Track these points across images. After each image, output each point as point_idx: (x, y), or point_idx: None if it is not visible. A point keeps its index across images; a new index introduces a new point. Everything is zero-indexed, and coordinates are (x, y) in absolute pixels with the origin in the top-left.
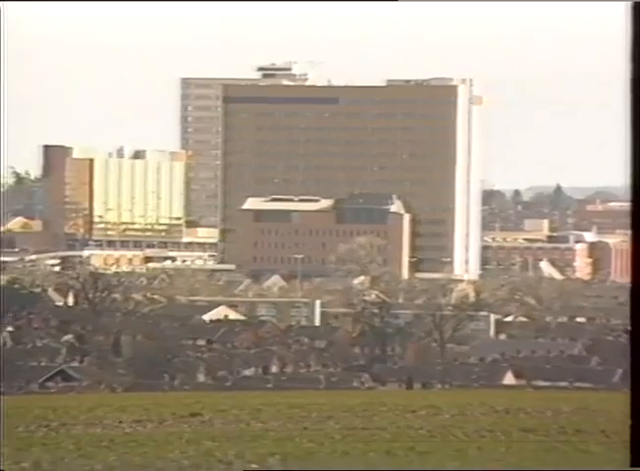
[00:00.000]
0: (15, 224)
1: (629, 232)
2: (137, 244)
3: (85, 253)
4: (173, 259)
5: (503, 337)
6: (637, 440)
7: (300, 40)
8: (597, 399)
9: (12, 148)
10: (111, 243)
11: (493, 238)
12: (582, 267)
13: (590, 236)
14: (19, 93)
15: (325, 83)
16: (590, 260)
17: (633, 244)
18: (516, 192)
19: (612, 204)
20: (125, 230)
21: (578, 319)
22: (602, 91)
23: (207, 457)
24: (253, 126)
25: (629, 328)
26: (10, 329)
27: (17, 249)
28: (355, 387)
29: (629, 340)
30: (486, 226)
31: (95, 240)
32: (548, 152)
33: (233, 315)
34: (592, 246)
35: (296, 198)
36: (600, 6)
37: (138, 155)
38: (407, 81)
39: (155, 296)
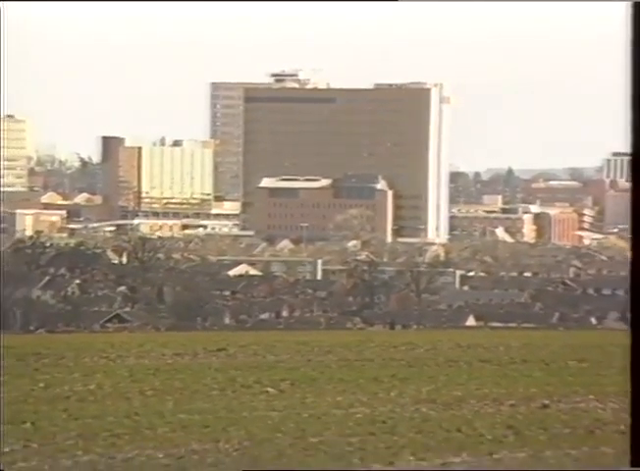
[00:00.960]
0: (80, 198)
1: (628, 231)
2: (176, 215)
3: (135, 222)
4: (204, 227)
5: (466, 288)
6: (637, 440)
7: (304, 48)
8: (539, 337)
9: (77, 138)
10: (155, 214)
11: (458, 210)
12: (529, 233)
13: (534, 208)
14: (84, 93)
15: (324, 87)
16: (535, 227)
17: (633, 243)
18: (476, 174)
19: (551, 183)
20: (166, 203)
21: (525, 274)
22: (542, 91)
23: (232, 382)
24: (268, 120)
25: (630, 326)
26: (77, 281)
27: (82, 219)
28: (349, 327)
29: (630, 338)
30: (452, 200)
31: (143, 212)
32: (501, 142)
33: (252, 271)
34: (536, 216)
35: (302, 178)
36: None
37: (177, 144)
38: (391, 85)
39: (190, 256)
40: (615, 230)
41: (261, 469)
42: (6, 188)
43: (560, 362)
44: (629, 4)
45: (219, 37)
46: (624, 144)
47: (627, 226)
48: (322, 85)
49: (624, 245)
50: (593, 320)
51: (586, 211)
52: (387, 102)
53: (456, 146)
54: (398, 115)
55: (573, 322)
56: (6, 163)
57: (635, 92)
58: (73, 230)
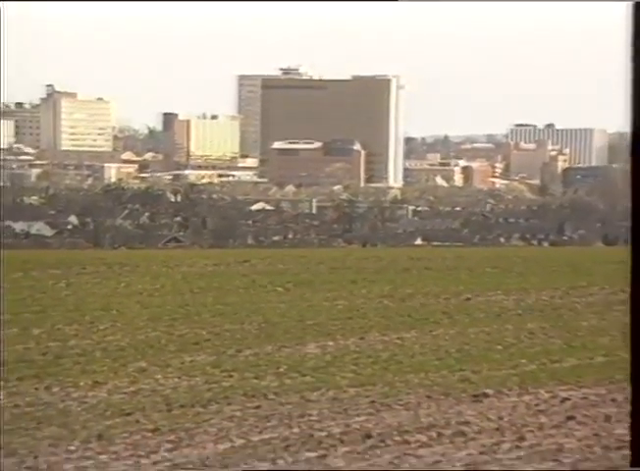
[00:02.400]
0: (148, 156)
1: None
2: (214, 167)
3: (186, 172)
4: (233, 176)
5: (415, 218)
6: (637, 440)
7: (302, 47)
8: (466, 252)
9: (145, 114)
10: (199, 167)
11: (409, 164)
12: (458, 180)
13: (462, 163)
14: (149, 80)
15: (318, 78)
16: (462, 176)
17: (633, 238)
18: (423, 138)
19: (474, 145)
20: (206, 159)
21: (456, 208)
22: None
23: (253, 284)
24: (278, 102)
25: (630, 325)
26: (147, 214)
27: (149, 170)
28: (334, 246)
29: (630, 338)
30: (406, 157)
31: (191, 165)
32: (441, 116)
33: (267, 207)
34: (463, 168)
35: (302, 142)
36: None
37: (214, 117)
38: (363, 77)
39: (224, 196)
40: (517, 177)
41: (261, 469)
42: (97, 149)
43: (479, 269)
44: (630, 4)
45: (239, 36)
46: (529, 116)
47: (525, 174)
48: (316, 77)
49: (523, 188)
50: (502, 240)
51: (497, 164)
52: (361, 89)
53: (408, 120)
54: (368, 98)
55: (489, 241)
56: (98, 131)
57: (635, 93)
58: (143, 178)
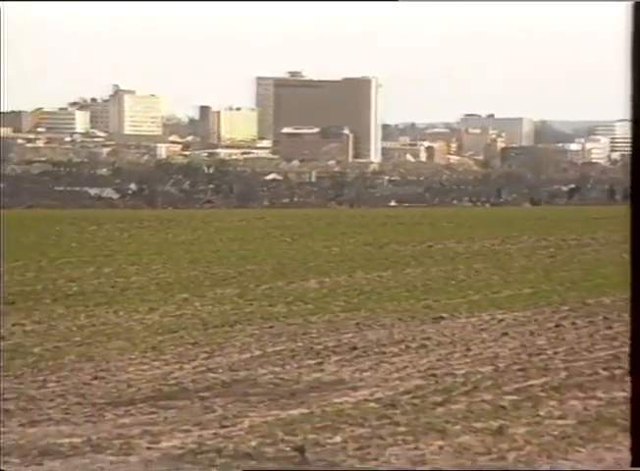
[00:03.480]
0: (189, 138)
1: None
2: (239, 147)
3: (217, 151)
4: (253, 153)
5: (390, 186)
6: (637, 440)
7: (305, 49)
8: (427, 211)
9: (185, 106)
10: (227, 147)
11: (386, 145)
12: (422, 156)
13: (426, 144)
14: (188, 79)
15: (316, 79)
16: (426, 154)
17: (633, 239)
18: (396, 125)
19: (435, 130)
20: (232, 141)
21: (421, 178)
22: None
23: (267, 235)
24: (286, 97)
25: (630, 324)
26: (188, 182)
27: (190, 149)
28: (329, 207)
29: (630, 338)
30: (383, 139)
31: (221, 145)
32: (409, 109)
33: (278, 177)
34: (426, 148)
35: (305, 127)
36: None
37: (238, 109)
38: (350, 78)
39: (246, 169)
40: (467, 155)
41: (261, 469)
42: (151, 133)
43: (438, 224)
44: (629, 4)
45: (256, 39)
46: (477, 108)
47: (472, 152)
48: (315, 78)
49: (471, 163)
50: (455, 202)
51: (452, 145)
52: (349, 87)
53: (385, 111)
54: (355, 94)
55: (445, 203)
56: (151, 119)
57: (635, 94)
58: (185, 155)
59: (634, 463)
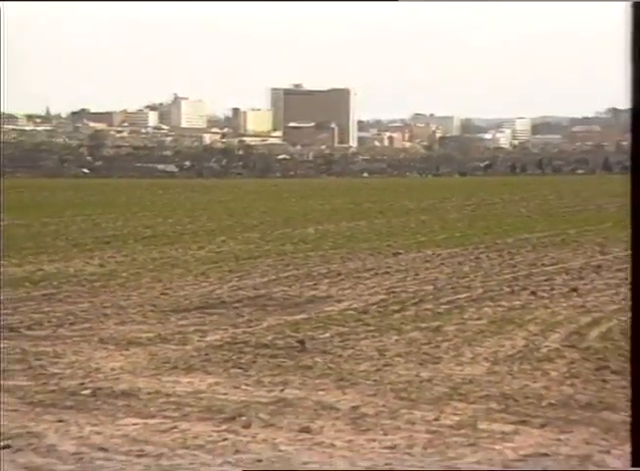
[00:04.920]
0: (225, 130)
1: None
2: (258, 136)
3: (244, 139)
4: (269, 140)
5: (364, 163)
6: (637, 440)
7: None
8: (390, 180)
9: (221, 109)
10: (251, 136)
11: (360, 134)
12: (386, 143)
13: (387, 134)
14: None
15: (312, 89)
16: (388, 141)
17: (633, 238)
18: (367, 120)
19: (394, 124)
20: (255, 132)
21: (384, 157)
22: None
23: (280, 198)
24: (293, 102)
25: (630, 325)
26: (225, 160)
27: (226, 138)
28: (322, 178)
29: (630, 339)
30: (358, 131)
31: (247, 135)
32: (376, 109)
33: (286, 157)
34: (388, 137)
35: (304, 122)
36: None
37: (259, 110)
38: (335, 88)
39: (264, 151)
40: (416, 142)
41: (261, 469)
42: (199, 126)
43: (396, 189)
44: (629, 4)
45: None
46: (425, 107)
47: (420, 140)
48: (311, 89)
49: (419, 147)
50: (407, 173)
51: (406, 135)
52: (334, 95)
53: (360, 110)
54: (338, 99)
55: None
56: (198, 117)
57: (635, 93)
58: (223, 142)
59: (634, 463)
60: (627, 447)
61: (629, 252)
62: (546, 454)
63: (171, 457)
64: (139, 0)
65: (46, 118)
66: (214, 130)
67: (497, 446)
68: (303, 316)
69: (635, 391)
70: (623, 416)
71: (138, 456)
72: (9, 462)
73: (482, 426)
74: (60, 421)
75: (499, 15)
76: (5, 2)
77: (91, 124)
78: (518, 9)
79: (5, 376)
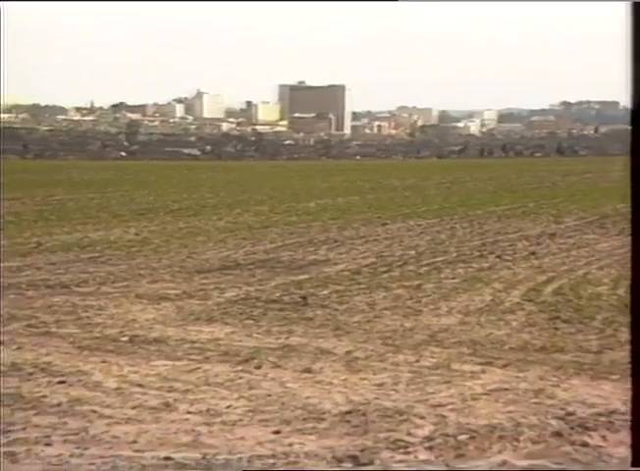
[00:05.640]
0: (240, 120)
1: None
2: (268, 124)
3: (257, 127)
4: (276, 128)
5: (357, 147)
6: (637, 440)
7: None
8: (378, 162)
9: (236, 103)
10: (262, 124)
11: (354, 123)
12: (375, 130)
13: (377, 123)
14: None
15: (313, 85)
16: (377, 129)
17: (633, 238)
18: (360, 112)
19: (382, 114)
20: (265, 121)
21: (374, 142)
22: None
23: (286, 176)
24: (297, 96)
25: (630, 326)
26: (240, 145)
27: (241, 127)
28: (321, 160)
29: (630, 336)
30: (352, 120)
31: (259, 123)
32: (366, 102)
33: (291, 142)
34: (377, 126)
35: (307, 113)
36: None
37: (268, 103)
38: (332, 85)
39: (273, 138)
40: (400, 129)
41: (261, 469)
42: (218, 116)
43: (384, 169)
44: (629, 4)
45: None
46: (408, 100)
47: (404, 128)
48: (313, 85)
49: (403, 134)
50: (393, 157)
51: (392, 124)
52: (332, 90)
53: (353, 104)
54: (335, 94)
55: (387, 157)
56: (218, 109)
57: (635, 94)
58: (238, 129)
59: (634, 463)
60: (574, 381)
61: (579, 222)
62: (507, 389)
63: (195, 393)
64: (165, 0)
65: (91, 109)
66: (231, 119)
67: (467, 383)
68: (306, 276)
69: (635, 390)
70: (571, 357)
71: (169, 392)
72: (62, 395)
73: (455, 367)
74: (103, 362)
75: (471, 21)
76: (6, 2)
77: (128, 114)
78: (489, 15)
79: (59, 325)
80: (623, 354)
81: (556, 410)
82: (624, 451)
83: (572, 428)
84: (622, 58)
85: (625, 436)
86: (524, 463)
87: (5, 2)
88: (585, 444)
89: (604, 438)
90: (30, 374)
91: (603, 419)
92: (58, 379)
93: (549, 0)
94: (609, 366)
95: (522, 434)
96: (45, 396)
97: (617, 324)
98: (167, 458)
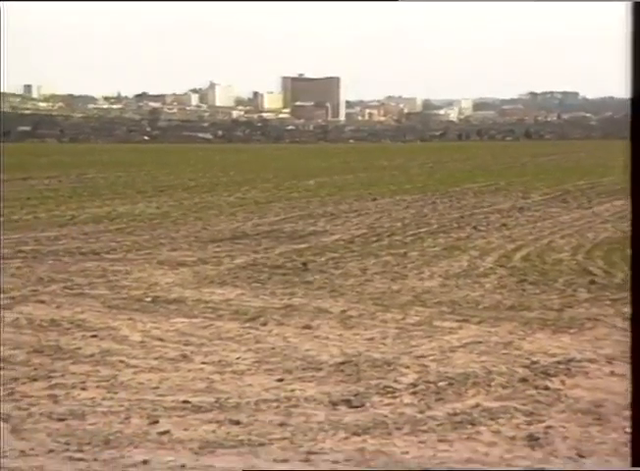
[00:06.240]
0: (247, 108)
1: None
2: (272, 112)
3: (263, 114)
4: (280, 115)
5: (350, 132)
6: (637, 440)
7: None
8: (368, 144)
9: (243, 93)
10: (267, 112)
11: (348, 111)
12: (367, 117)
13: (367, 111)
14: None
15: (312, 77)
16: (368, 115)
17: (633, 234)
18: (353, 101)
19: (372, 103)
20: (269, 109)
21: (365, 128)
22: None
23: (289, 154)
24: (298, 87)
25: (631, 323)
26: (247, 130)
27: (250, 114)
28: (319, 143)
29: (630, 336)
30: (346, 108)
31: (265, 111)
32: (359, 92)
33: (292, 127)
34: (369, 113)
35: (306, 102)
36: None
37: (272, 93)
38: (328, 77)
39: (276, 123)
40: (389, 116)
41: (262, 469)
42: (228, 105)
43: (374, 152)
44: (629, 4)
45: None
46: (395, 90)
47: (391, 115)
48: (311, 77)
49: (391, 120)
50: (382, 140)
51: (382, 111)
52: (327, 82)
53: (347, 93)
54: (331, 85)
55: (376, 141)
56: (229, 98)
57: (635, 94)
58: (247, 116)
59: (634, 463)
60: (538, 335)
61: (544, 197)
62: (480, 342)
63: (209, 346)
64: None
65: (117, 99)
66: (240, 107)
67: (446, 338)
68: (306, 245)
69: (635, 390)
70: (536, 314)
71: (186, 345)
72: (94, 347)
73: (436, 323)
74: (130, 319)
75: (451, 21)
76: (7, 2)
77: (150, 103)
78: (468, 16)
79: (91, 287)
80: (581, 311)
81: (522, 360)
82: (580, 393)
83: (536, 374)
84: (582, 52)
85: (580, 380)
86: (495, 404)
87: (5, 2)
88: (547, 388)
89: (562, 382)
90: (67, 329)
91: (562, 366)
92: (91, 333)
93: (537, 0)
94: (568, 322)
95: (493, 380)
96: (80, 348)
97: (576, 285)
98: (185, 402)
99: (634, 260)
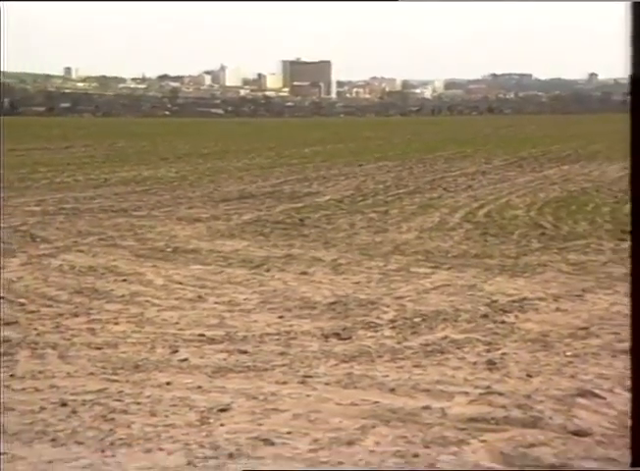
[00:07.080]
0: (253, 87)
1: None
2: (274, 90)
3: (266, 93)
4: (280, 94)
5: (341, 108)
6: (637, 440)
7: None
8: (357, 119)
9: (250, 76)
10: (270, 90)
11: (338, 90)
12: (355, 95)
13: (355, 90)
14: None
15: (308, 61)
16: (356, 93)
17: (633, 233)
18: (343, 81)
19: (359, 83)
20: (271, 88)
21: (354, 104)
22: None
23: (288, 128)
24: (297, 69)
25: (630, 321)
26: (253, 106)
27: (253, 93)
28: (315, 118)
29: (630, 337)
30: (337, 87)
31: (268, 90)
32: (349, 74)
33: (291, 104)
34: (356, 92)
35: (304, 82)
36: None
37: (274, 74)
38: (322, 60)
39: (277, 100)
40: (374, 94)
41: (262, 469)
42: (237, 85)
43: (362, 125)
44: (629, 4)
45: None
46: (379, 72)
47: (376, 94)
48: (307, 61)
49: (375, 98)
50: (368, 115)
51: (367, 90)
52: (321, 65)
53: (338, 74)
54: (324, 69)
55: (362, 115)
56: (235, 79)
57: (635, 94)
58: (252, 95)
59: (634, 463)
60: (498, 279)
61: (503, 162)
62: (449, 285)
63: (220, 289)
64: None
65: (143, 79)
66: (246, 87)
67: (420, 281)
68: (302, 204)
69: (635, 391)
70: (496, 261)
71: (201, 288)
72: (125, 289)
73: (412, 269)
74: (154, 266)
75: (429, 10)
76: (7, 2)
77: (170, 83)
78: (440, 5)
79: (121, 239)
80: (533, 258)
81: (484, 299)
82: (530, 326)
83: (495, 311)
84: (536, 40)
85: (531, 315)
86: (461, 336)
87: (5, 2)
88: (503, 322)
89: (516, 317)
90: (102, 274)
91: (516, 304)
92: (122, 278)
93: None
94: (522, 267)
95: (459, 316)
96: (113, 290)
97: (530, 237)
98: (201, 335)
99: (634, 260)
